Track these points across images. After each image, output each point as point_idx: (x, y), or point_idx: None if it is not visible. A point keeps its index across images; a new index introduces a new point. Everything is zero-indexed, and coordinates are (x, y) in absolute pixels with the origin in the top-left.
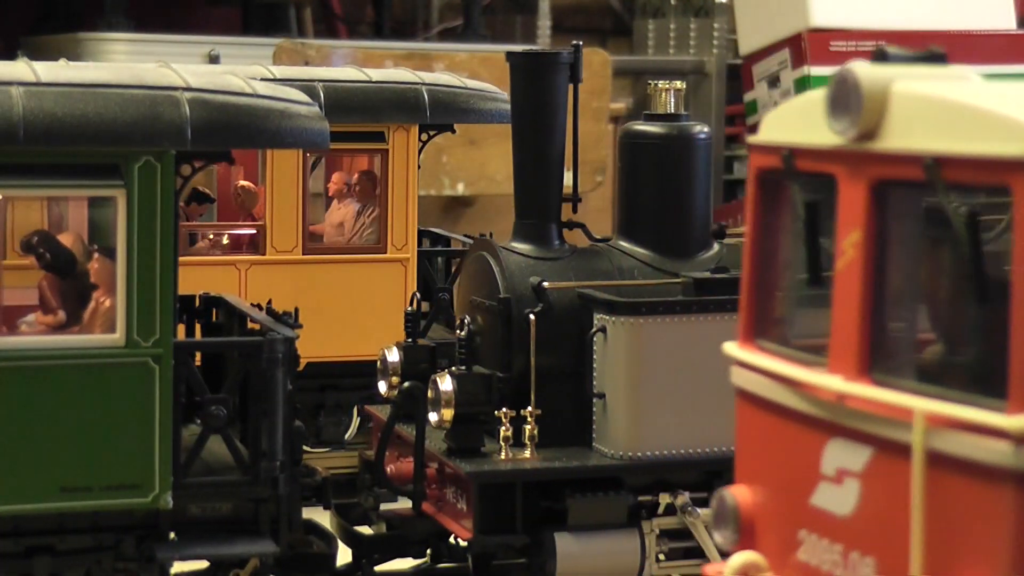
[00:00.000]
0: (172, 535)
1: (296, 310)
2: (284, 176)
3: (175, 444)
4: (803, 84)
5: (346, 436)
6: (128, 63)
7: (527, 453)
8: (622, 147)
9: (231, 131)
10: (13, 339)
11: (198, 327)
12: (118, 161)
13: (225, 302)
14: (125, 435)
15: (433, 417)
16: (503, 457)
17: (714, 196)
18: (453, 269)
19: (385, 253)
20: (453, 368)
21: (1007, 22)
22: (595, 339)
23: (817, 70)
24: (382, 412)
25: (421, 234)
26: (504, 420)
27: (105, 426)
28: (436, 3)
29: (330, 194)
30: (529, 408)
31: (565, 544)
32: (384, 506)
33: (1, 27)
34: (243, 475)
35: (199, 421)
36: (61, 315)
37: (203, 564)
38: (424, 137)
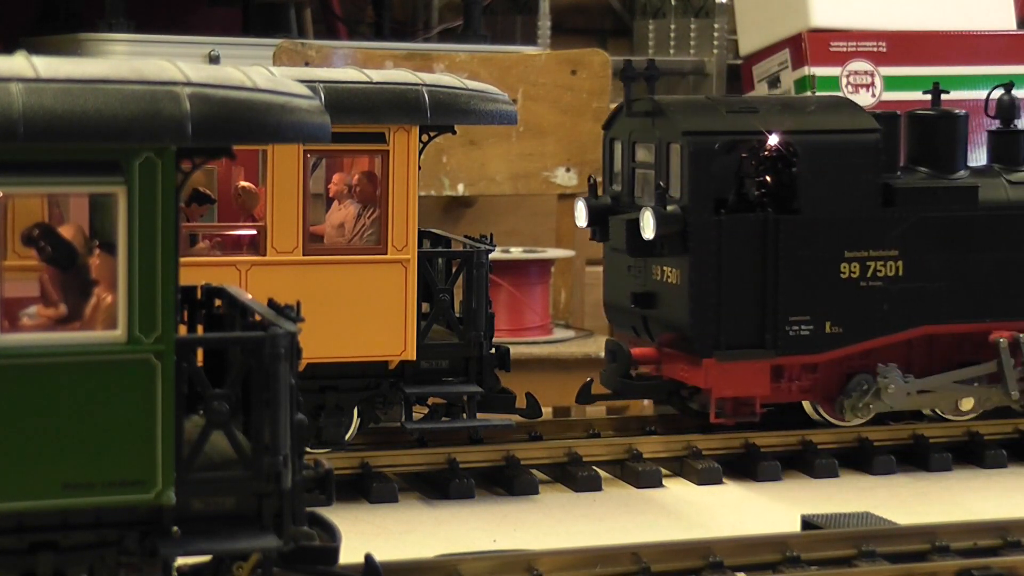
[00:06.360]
0: (175, 530)
1: (298, 303)
2: (284, 177)
3: (178, 440)
4: (803, 84)
5: (346, 436)
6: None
7: None
8: None
9: (232, 126)
10: (14, 336)
11: (200, 328)
12: (118, 157)
13: (227, 293)
14: (128, 432)
15: None
16: None
17: None
18: (453, 270)
19: (385, 254)
20: None
21: (1007, 22)
22: None
23: (817, 70)
24: None
25: (421, 235)
26: None
27: (108, 423)
28: (436, 3)
29: (331, 195)
30: None
31: None
32: None
33: (1, 27)
34: (246, 470)
35: (202, 413)
36: (63, 308)
37: (206, 558)
38: (425, 138)
